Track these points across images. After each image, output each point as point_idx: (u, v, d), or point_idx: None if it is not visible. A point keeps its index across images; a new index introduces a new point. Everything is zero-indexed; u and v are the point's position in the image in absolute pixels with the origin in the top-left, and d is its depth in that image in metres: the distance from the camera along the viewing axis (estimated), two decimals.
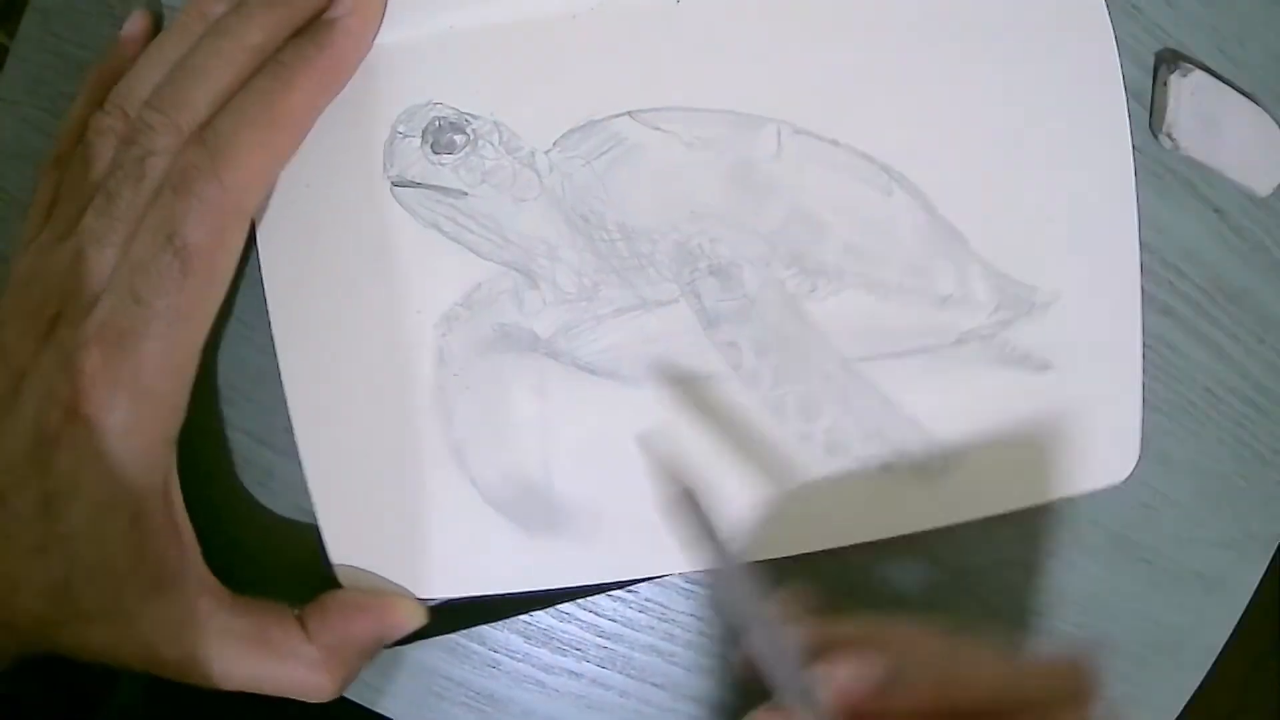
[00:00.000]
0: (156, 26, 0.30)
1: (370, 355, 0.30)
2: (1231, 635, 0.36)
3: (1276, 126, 0.33)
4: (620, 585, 0.32)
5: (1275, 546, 0.37)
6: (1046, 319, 0.30)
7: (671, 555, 0.29)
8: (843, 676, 0.24)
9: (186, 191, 0.26)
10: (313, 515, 0.30)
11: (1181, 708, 0.36)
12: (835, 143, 0.29)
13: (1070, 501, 0.32)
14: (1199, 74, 0.32)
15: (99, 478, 0.25)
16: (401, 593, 0.30)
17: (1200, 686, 0.36)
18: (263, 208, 0.30)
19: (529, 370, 0.29)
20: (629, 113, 0.29)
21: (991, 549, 0.33)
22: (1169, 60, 0.32)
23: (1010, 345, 0.30)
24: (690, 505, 0.26)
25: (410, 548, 0.30)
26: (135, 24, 0.31)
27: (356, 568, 0.30)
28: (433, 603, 0.30)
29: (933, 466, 0.30)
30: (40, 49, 0.32)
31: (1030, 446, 0.30)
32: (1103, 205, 0.30)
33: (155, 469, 0.27)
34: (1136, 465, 0.31)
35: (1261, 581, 0.36)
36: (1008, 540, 0.33)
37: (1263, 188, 0.33)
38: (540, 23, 0.29)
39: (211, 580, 0.28)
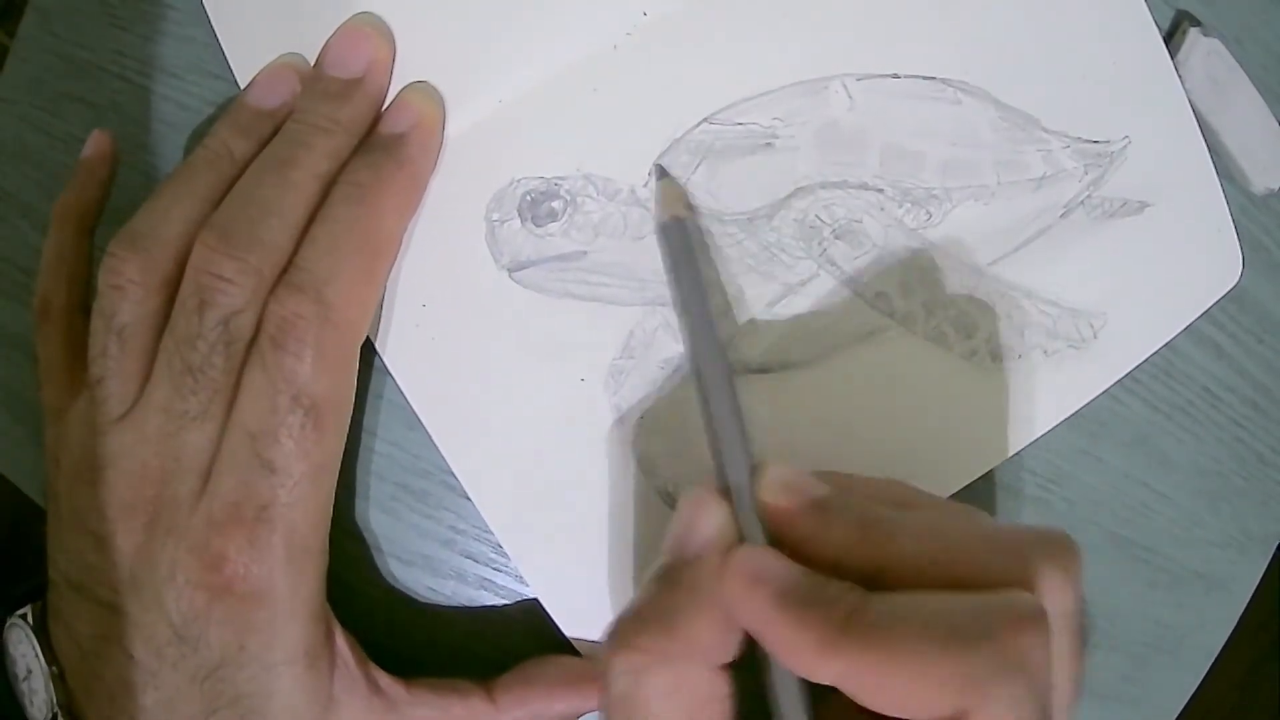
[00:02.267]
0: (115, 148, 0.29)
1: (548, 440, 0.29)
2: (1231, 635, 0.36)
3: (1278, 125, 0.33)
4: None
5: (1275, 546, 0.36)
6: (1129, 164, 0.32)
7: None
8: (780, 477, 0.23)
9: (299, 344, 0.24)
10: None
11: (1181, 708, 0.36)
12: (896, 76, 0.30)
13: (1070, 503, 0.33)
14: (1218, 42, 0.32)
15: (269, 642, 0.25)
16: None
17: (1200, 686, 0.36)
18: (385, 340, 0.29)
19: None
20: (705, 120, 0.29)
21: None
22: (1190, 19, 0.33)
23: (1108, 199, 0.32)
24: (681, 235, 0.24)
25: None
26: (96, 145, 0.28)
27: (592, 641, 0.30)
28: None
29: (1085, 334, 0.31)
30: (40, 49, 0.31)
31: (1158, 283, 0.32)
32: (1136, 50, 0.32)
33: (320, 612, 0.26)
34: (1135, 464, 0.33)
35: (1261, 581, 0.36)
36: None
37: (1262, 187, 0.33)
38: (584, 65, 0.29)
39: (382, 679, 0.27)
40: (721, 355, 0.24)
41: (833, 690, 0.21)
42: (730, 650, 0.22)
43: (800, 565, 0.22)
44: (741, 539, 0.23)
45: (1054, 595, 0.21)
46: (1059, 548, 0.22)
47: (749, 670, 0.23)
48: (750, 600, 0.21)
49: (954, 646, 0.19)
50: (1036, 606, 0.20)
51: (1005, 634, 0.20)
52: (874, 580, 0.21)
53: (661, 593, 0.22)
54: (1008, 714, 0.19)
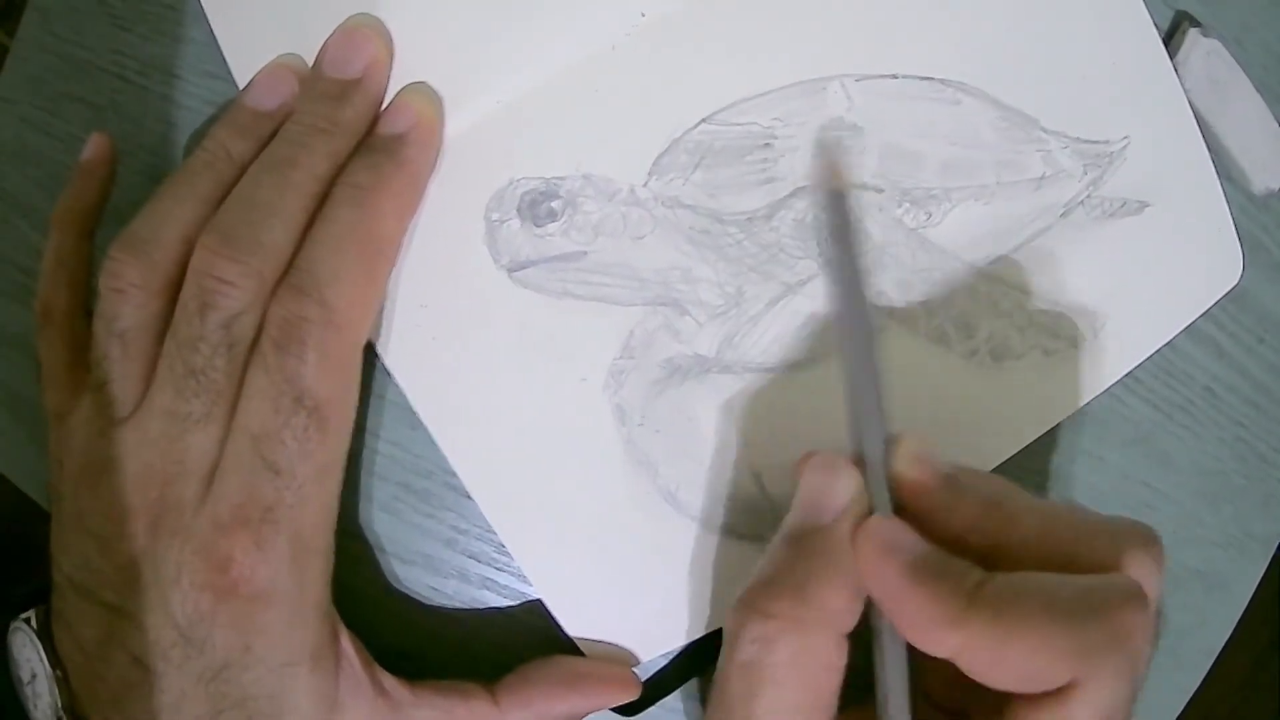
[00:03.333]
0: (115, 150, 0.29)
1: (549, 441, 0.29)
2: (1231, 635, 0.36)
3: (1278, 125, 0.33)
4: None
5: (1275, 546, 0.36)
6: (1128, 164, 0.32)
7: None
8: (915, 450, 0.24)
9: (301, 346, 0.24)
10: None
11: (1182, 708, 0.36)
12: (895, 76, 0.30)
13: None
14: (1218, 43, 0.32)
15: (275, 643, 0.25)
16: (624, 660, 0.30)
17: (1200, 686, 0.36)
18: (385, 340, 0.29)
19: (708, 392, 0.30)
20: (704, 120, 0.29)
21: None
22: (1190, 19, 0.33)
23: (1108, 199, 0.32)
24: (841, 206, 0.25)
25: (649, 605, 0.30)
26: (96, 148, 0.28)
27: (597, 640, 0.30)
28: (671, 656, 0.31)
29: (1085, 334, 0.31)
30: (40, 49, 0.31)
31: (1158, 283, 0.32)
32: (1135, 50, 0.32)
33: (326, 613, 0.26)
34: (1135, 464, 0.33)
35: (1261, 581, 0.36)
36: None
37: (1262, 187, 0.33)
38: (582, 66, 0.29)
39: (387, 680, 0.27)
40: (870, 327, 0.24)
41: (929, 662, 0.22)
42: (854, 619, 0.22)
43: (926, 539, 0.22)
44: (871, 509, 0.23)
45: (1146, 581, 0.22)
46: (1149, 538, 0.23)
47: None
48: (882, 569, 0.22)
49: (1072, 620, 0.21)
50: (1139, 588, 0.22)
51: (1115, 611, 0.21)
52: (987, 559, 0.22)
53: (793, 558, 0.23)
54: (1113, 683, 0.21)
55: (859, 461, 0.24)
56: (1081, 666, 0.21)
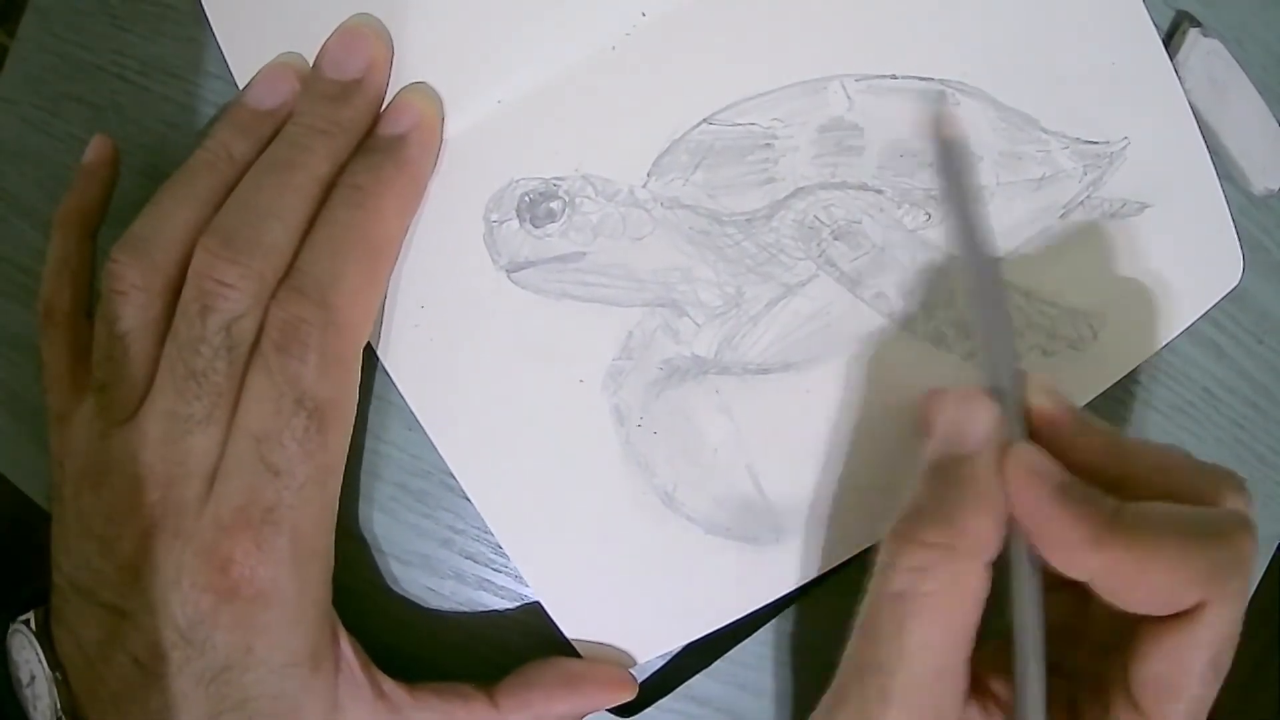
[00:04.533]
0: (117, 152, 0.29)
1: (547, 441, 0.29)
2: None
3: (1278, 125, 0.33)
4: (845, 566, 0.32)
5: (1275, 546, 0.36)
6: (1127, 165, 0.32)
7: (888, 516, 0.30)
8: (1046, 382, 0.25)
9: (302, 348, 0.24)
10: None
11: None
12: (894, 76, 0.30)
13: None
14: (1218, 43, 0.32)
15: (275, 644, 0.25)
16: (621, 661, 0.30)
17: None
18: (383, 341, 0.29)
19: (707, 393, 0.29)
20: (704, 120, 0.29)
21: None
22: (1190, 19, 0.33)
23: (1108, 200, 0.31)
24: (956, 154, 0.27)
25: (646, 606, 0.30)
26: (98, 150, 0.28)
27: (594, 641, 0.30)
28: (668, 657, 0.31)
29: (1085, 335, 0.31)
30: (40, 49, 0.31)
31: (1158, 283, 0.32)
32: (1135, 50, 0.32)
33: (326, 614, 0.26)
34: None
35: (1261, 581, 0.35)
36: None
37: (1262, 187, 0.33)
38: (582, 67, 0.29)
39: (386, 683, 0.27)
40: (995, 265, 0.26)
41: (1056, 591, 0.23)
42: (998, 548, 0.23)
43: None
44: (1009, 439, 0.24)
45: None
46: (1241, 483, 0.24)
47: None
48: (1030, 492, 0.23)
49: (1203, 543, 0.22)
50: (1250, 519, 0.23)
51: (1236, 537, 0.22)
52: (1111, 491, 0.23)
53: (941, 488, 0.24)
54: (1235, 605, 0.22)
55: (993, 395, 0.24)
56: (1210, 587, 0.22)
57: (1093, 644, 0.26)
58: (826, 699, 0.25)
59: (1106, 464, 0.24)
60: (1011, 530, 0.23)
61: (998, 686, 0.26)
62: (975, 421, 0.24)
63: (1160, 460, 0.24)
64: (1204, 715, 0.23)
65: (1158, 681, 0.23)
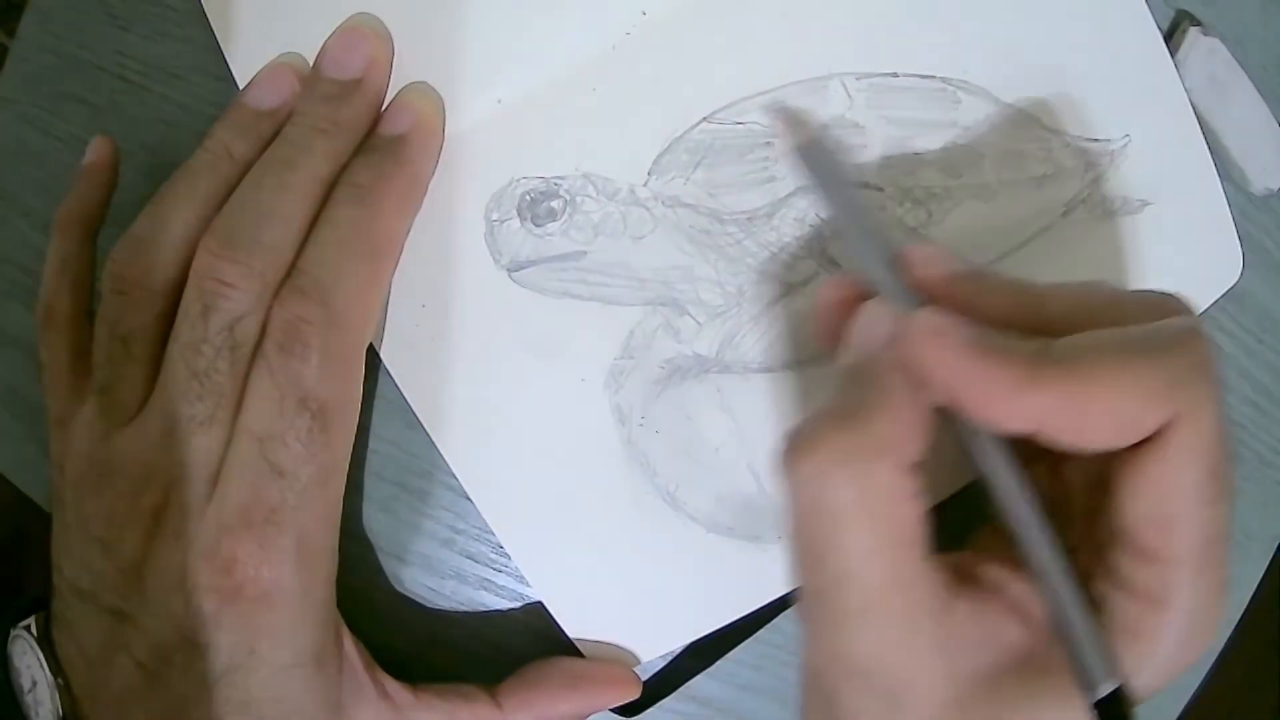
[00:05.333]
0: (117, 154, 0.29)
1: (548, 441, 0.29)
2: (1231, 636, 0.35)
3: (1278, 125, 0.33)
4: None
5: (1275, 546, 0.36)
6: (1129, 162, 0.32)
7: None
8: (925, 251, 0.24)
9: (305, 348, 0.24)
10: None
11: (1182, 708, 0.36)
12: (894, 74, 0.30)
13: None
14: (1218, 42, 0.32)
15: (279, 645, 0.25)
16: (624, 660, 0.30)
17: (1200, 686, 0.36)
18: (384, 340, 0.29)
19: (708, 392, 0.29)
20: (704, 119, 0.29)
21: None
22: (1190, 19, 0.32)
23: (1109, 198, 0.31)
24: (817, 150, 0.25)
25: (648, 605, 0.30)
26: (98, 151, 0.28)
27: (597, 641, 0.30)
28: (670, 656, 0.31)
29: None
30: (40, 49, 0.31)
31: (1158, 282, 0.32)
32: (1137, 48, 0.32)
33: (330, 614, 0.26)
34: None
35: (1261, 581, 0.35)
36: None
37: (1262, 187, 0.33)
38: (583, 65, 0.29)
39: (389, 684, 0.27)
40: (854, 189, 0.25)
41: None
42: (916, 448, 0.21)
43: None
44: None
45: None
46: (1181, 299, 0.23)
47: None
48: (941, 353, 0.21)
49: (1150, 358, 0.20)
50: (1199, 323, 0.21)
51: (1185, 342, 0.20)
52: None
53: (844, 391, 0.22)
54: (1209, 407, 0.20)
55: (877, 289, 0.23)
56: (1175, 399, 0.20)
57: (1081, 516, 0.24)
58: (803, 635, 0.23)
59: (1021, 315, 0.22)
60: (955, 414, 0.22)
61: (994, 575, 0.24)
62: (878, 324, 0.23)
63: (1081, 299, 0.23)
64: (1226, 533, 0.21)
65: (1153, 517, 0.21)
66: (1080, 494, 0.24)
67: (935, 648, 0.21)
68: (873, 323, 0.23)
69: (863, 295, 0.24)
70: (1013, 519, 0.22)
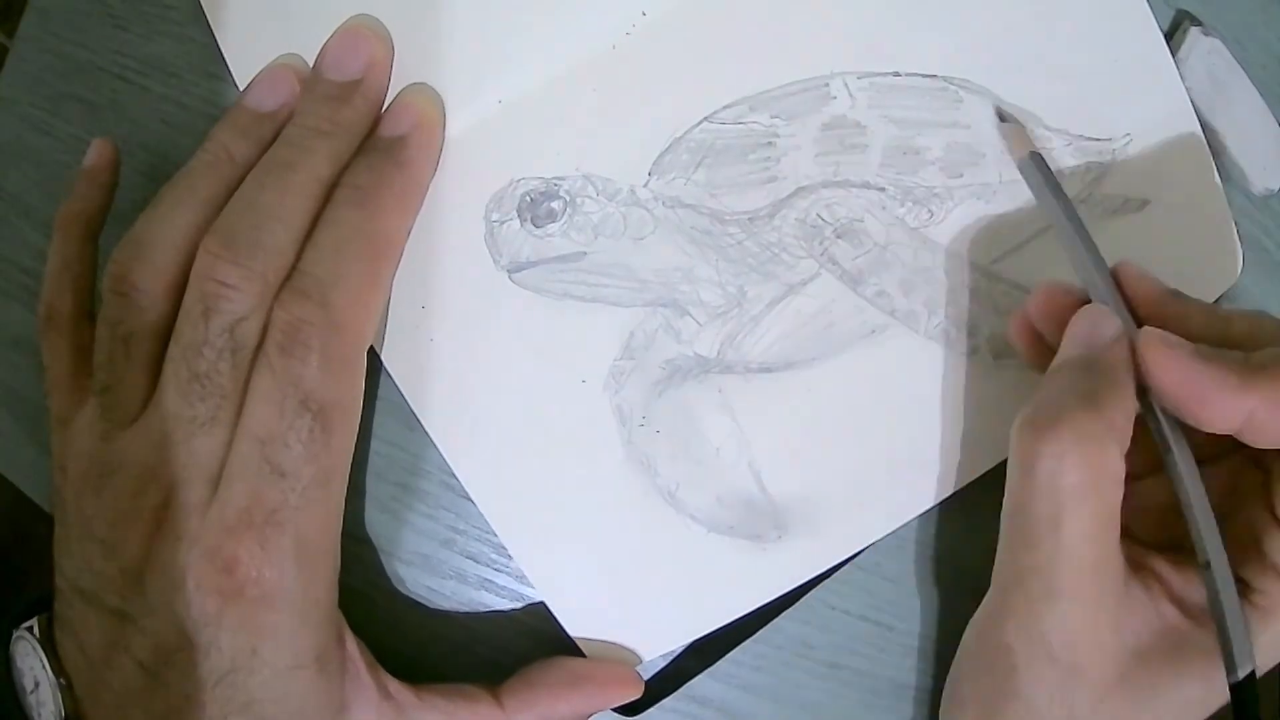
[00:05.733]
0: (117, 155, 0.29)
1: (549, 442, 0.29)
2: None
3: (1278, 125, 0.33)
4: (845, 563, 0.32)
5: None
6: (1129, 162, 0.31)
7: (888, 513, 0.30)
8: (1131, 268, 0.27)
9: (306, 349, 0.24)
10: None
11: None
12: (896, 74, 0.30)
13: None
14: (1219, 42, 0.32)
15: (281, 645, 0.25)
16: (626, 660, 0.30)
17: None
18: (384, 341, 0.29)
19: (709, 392, 0.29)
20: (705, 119, 0.29)
21: (990, 548, 0.32)
22: (1191, 18, 0.33)
23: (1110, 197, 0.31)
24: (1039, 164, 0.28)
25: (650, 605, 0.30)
26: (98, 153, 0.28)
27: (598, 640, 0.30)
28: (671, 656, 0.31)
29: None
30: (40, 49, 0.31)
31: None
32: (1137, 47, 0.32)
33: (332, 615, 0.26)
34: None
35: None
36: None
37: (1262, 187, 0.33)
38: (583, 66, 0.29)
39: (392, 684, 0.27)
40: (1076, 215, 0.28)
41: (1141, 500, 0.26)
42: (1129, 438, 0.24)
43: None
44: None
45: None
46: None
47: None
48: (1170, 362, 0.24)
49: None
50: None
51: None
52: None
53: (1074, 382, 0.25)
54: None
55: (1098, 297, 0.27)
56: None
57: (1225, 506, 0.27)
58: (988, 609, 0.26)
59: (1209, 332, 0.26)
60: (1153, 408, 0.25)
61: (1157, 564, 0.27)
62: (1106, 323, 0.26)
63: (1252, 324, 0.26)
64: None
65: None
66: (1227, 489, 0.27)
67: (1114, 627, 0.25)
68: (1098, 324, 0.26)
69: (1077, 301, 0.27)
70: (1192, 511, 0.24)
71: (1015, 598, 0.25)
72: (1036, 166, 0.28)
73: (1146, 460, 0.26)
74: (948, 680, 0.28)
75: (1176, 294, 0.27)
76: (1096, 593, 0.24)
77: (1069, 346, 0.26)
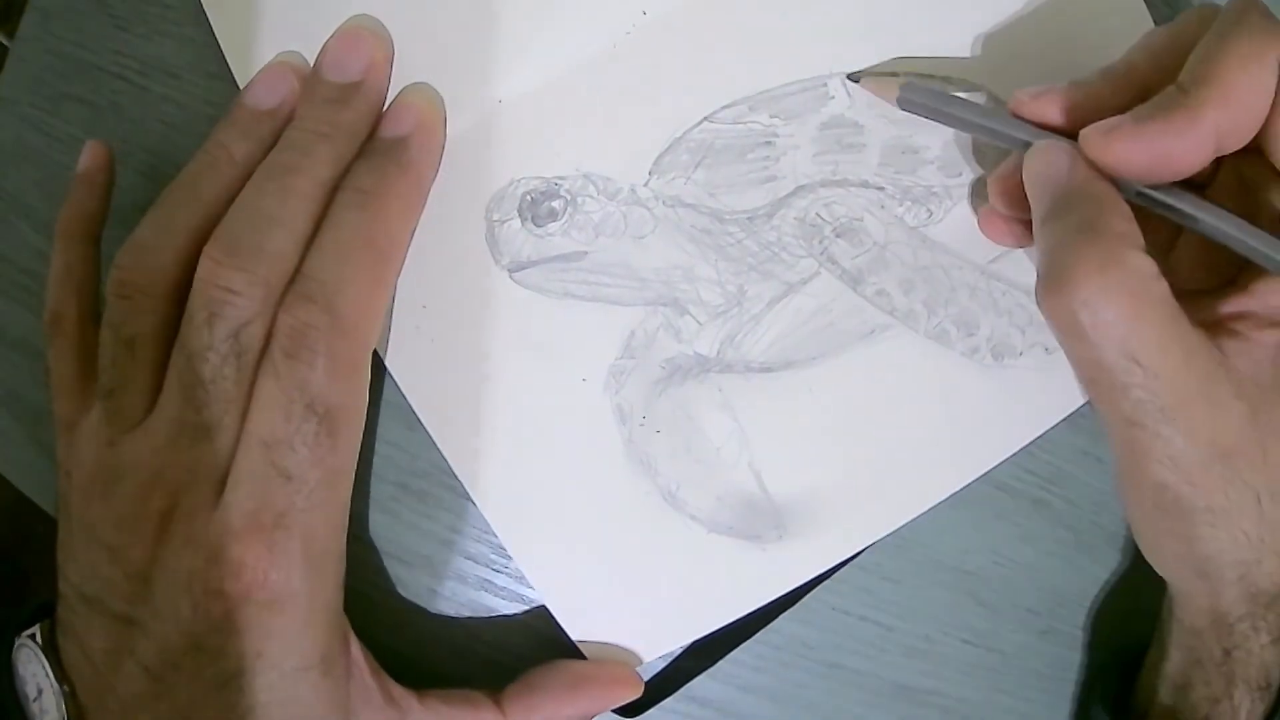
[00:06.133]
0: (111, 156, 0.29)
1: (549, 441, 0.29)
2: None
3: None
4: (845, 564, 0.32)
5: None
6: None
7: (888, 513, 0.30)
8: (1024, 95, 0.27)
9: (311, 353, 0.24)
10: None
11: None
12: (894, 74, 0.30)
13: (1070, 503, 0.32)
14: None
15: (287, 648, 0.25)
16: (626, 661, 0.30)
17: None
18: (385, 341, 0.29)
19: (709, 391, 0.29)
20: (705, 119, 0.29)
21: (990, 549, 0.32)
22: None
23: None
24: (914, 94, 0.28)
25: (650, 605, 0.30)
26: (92, 156, 0.28)
27: (599, 642, 0.30)
28: (671, 656, 0.31)
29: None
30: (40, 49, 0.31)
31: None
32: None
33: (337, 618, 0.26)
34: None
35: None
36: (1007, 540, 0.32)
37: None
38: (582, 66, 0.29)
39: (395, 688, 0.27)
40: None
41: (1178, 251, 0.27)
42: (1138, 230, 0.23)
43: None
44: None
45: None
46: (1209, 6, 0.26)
47: None
48: (1115, 144, 0.24)
49: (1235, 30, 0.23)
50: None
51: (1241, 5, 0.24)
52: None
53: (1065, 219, 0.24)
54: None
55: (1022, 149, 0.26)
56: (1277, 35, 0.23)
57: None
58: (1124, 472, 0.26)
59: (1127, 91, 0.25)
60: (1139, 191, 0.24)
61: (1228, 305, 0.26)
62: (1054, 157, 0.25)
63: (1152, 50, 0.26)
64: None
65: None
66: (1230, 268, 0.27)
67: (1235, 393, 0.24)
68: (1049, 162, 0.25)
69: (1020, 167, 0.26)
70: (1234, 239, 0.24)
71: (1140, 442, 0.24)
72: (915, 95, 0.28)
73: (1163, 231, 0.26)
74: (1133, 534, 0.28)
75: (1069, 86, 0.26)
76: (1202, 380, 0.23)
77: (1037, 200, 0.25)
